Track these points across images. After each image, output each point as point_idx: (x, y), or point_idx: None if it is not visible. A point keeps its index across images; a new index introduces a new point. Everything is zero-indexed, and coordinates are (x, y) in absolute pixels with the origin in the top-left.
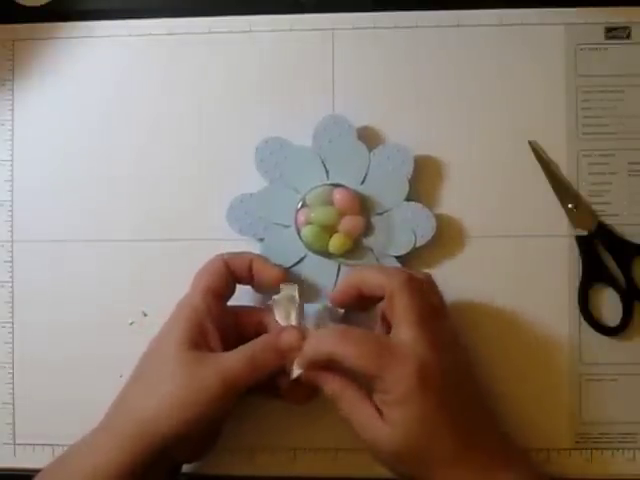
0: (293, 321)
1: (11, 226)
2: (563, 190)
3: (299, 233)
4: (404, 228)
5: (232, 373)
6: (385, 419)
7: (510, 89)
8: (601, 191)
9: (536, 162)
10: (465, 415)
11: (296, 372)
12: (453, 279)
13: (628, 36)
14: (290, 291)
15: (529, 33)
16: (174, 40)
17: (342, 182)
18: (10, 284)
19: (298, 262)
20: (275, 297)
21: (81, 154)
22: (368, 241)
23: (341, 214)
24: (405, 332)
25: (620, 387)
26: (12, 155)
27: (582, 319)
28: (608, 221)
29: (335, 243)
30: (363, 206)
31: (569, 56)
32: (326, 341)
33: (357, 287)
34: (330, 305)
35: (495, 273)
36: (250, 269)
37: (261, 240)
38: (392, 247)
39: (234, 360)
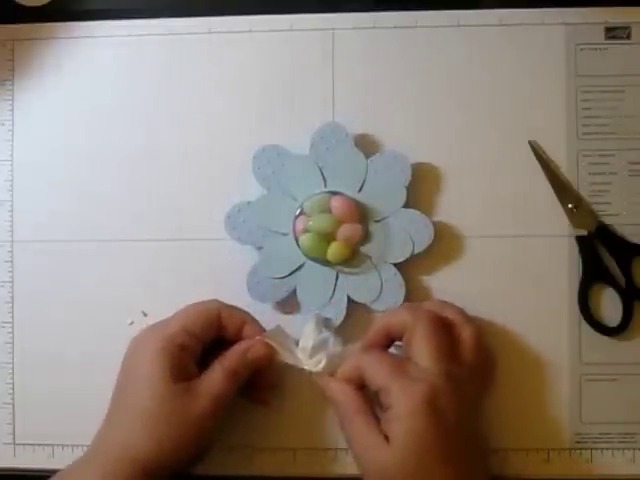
0: (296, 354)
1: (11, 226)
2: (563, 190)
3: (297, 241)
4: (402, 235)
5: (219, 394)
6: (388, 438)
7: (510, 89)
8: (601, 191)
9: (536, 162)
10: (463, 453)
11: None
12: (453, 283)
13: (628, 36)
14: (278, 333)
15: (529, 33)
16: (174, 40)
17: (340, 190)
18: (10, 284)
19: (296, 270)
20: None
21: (81, 154)
22: (366, 248)
23: (339, 222)
24: (420, 361)
25: (620, 387)
26: (12, 155)
27: (582, 319)
28: (608, 221)
29: (333, 251)
30: (361, 213)
31: (569, 56)
32: (355, 356)
33: (385, 329)
34: (324, 315)
35: (495, 273)
36: (241, 329)
37: (260, 248)
38: (390, 254)
39: (216, 380)
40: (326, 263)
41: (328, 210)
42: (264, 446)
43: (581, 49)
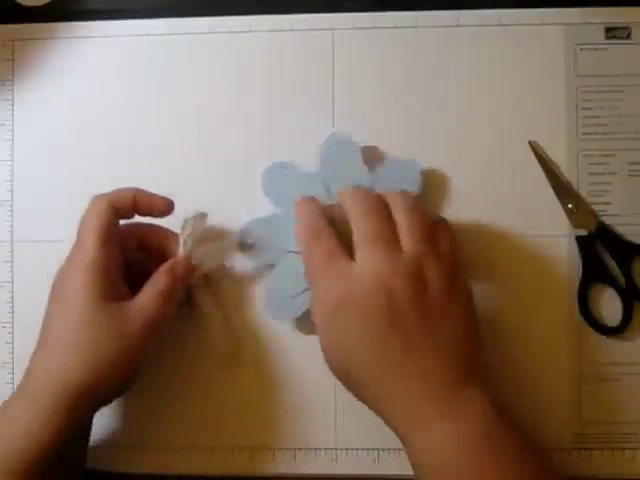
0: (180, 246)
1: (11, 226)
2: (563, 190)
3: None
4: None
5: (151, 314)
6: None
7: (510, 89)
8: (601, 191)
9: (536, 162)
10: (398, 345)
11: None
12: None
13: (628, 36)
14: (192, 219)
15: (529, 33)
16: (174, 40)
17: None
18: (10, 284)
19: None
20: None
21: (81, 154)
22: None
23: None
24: (356, 252)
25: (620, 387)
26: (12, 155)
27: (582, 319)
28: (608, 221)
29: None
30: None
31: (569, 56)
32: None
33: None
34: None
35: (495, 273)
36: (134, 204)
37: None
38: None
39: (149, 301)
40: None
41: None
42: (263, 446)
43: (581, 49)
